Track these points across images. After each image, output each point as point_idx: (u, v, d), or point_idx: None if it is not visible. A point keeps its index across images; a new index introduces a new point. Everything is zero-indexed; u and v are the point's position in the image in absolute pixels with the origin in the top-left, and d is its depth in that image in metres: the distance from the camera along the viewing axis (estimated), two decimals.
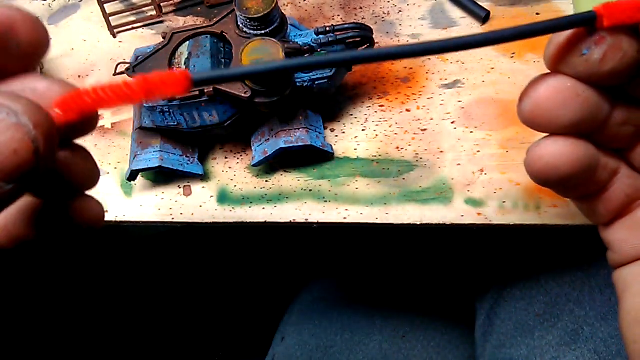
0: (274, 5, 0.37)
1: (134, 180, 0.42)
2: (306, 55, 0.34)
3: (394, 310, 0.53)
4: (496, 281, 0.47)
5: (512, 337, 0.43)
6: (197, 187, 0.42)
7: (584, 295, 0.41)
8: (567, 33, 0.23)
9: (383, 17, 0.46)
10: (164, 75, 0.19)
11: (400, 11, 0.46)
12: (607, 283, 0.41)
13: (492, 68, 0.43)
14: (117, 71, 0.42)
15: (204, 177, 0.42)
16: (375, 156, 0.41)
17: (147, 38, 0.49)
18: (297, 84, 0.38)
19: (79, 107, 0.19)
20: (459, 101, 0.42)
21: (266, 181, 0.41)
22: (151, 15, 0.50)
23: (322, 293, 0.57)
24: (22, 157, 0.16)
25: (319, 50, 0.38)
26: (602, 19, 0.23)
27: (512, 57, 0.43)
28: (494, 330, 0.45)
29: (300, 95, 0.39)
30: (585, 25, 0.24)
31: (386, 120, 0.42)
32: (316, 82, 0.38)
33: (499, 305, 0.45)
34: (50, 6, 0.53)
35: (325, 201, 0.40)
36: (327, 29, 0.37)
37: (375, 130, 0.42)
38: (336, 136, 0.42)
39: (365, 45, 0.39)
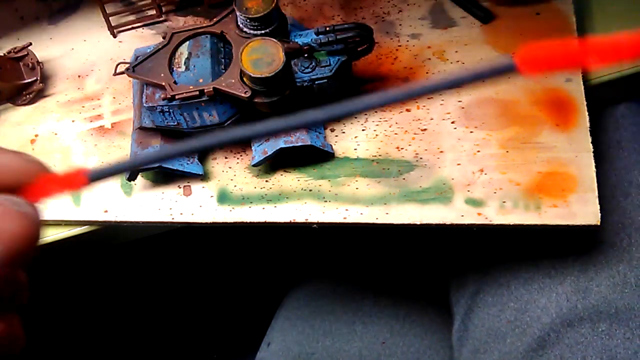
0: (273, 5, 0.37)
1: (134, 180, 0.42)
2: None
3: (375, 316, 0.54)
4: (470, 287, 0.48)
5: (485, 343, 0.44)
6: (197, 187, 0.42)
7: (551, 302, 0.42)
8: None
9: (383, 17, 0.46)
10: (63, 176, 0.22)
11: (400, 11, 0.46)
12: (573, 290, 0.41)
13: None
14: (117, 71, 0.42)
15: (204, 177, 0.42)
16: (375, 156, 0.41)
17: (147, 38, 0.49)
18: (297, 84, 0.38)
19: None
20: (459, 101, 0.42)
21: (266, 181, 0.41)
22: (151, 15, 0.50)
23: (306, 299, 0.58)
24: (29, 239, 0.20)
25: (319, 50, 0.38)
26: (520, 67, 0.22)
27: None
28: (469, 335, 0.46)
29: (300, 95, 0.39)
30: (507, 73, 0.23)
31: (386, 120, 0.42)
32: (316, 82, 0.38)
33: (472, 311, 0.46)
34: (50, 6, 0.53)
35: (325, 201, 0.40)
36: (327, 28, 0.37)
37: (375, 130, 0.42)
38: (336, 136, 0.42)
39: (365, 45, 0.39)
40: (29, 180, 0.22)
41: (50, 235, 0.43)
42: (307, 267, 0.64)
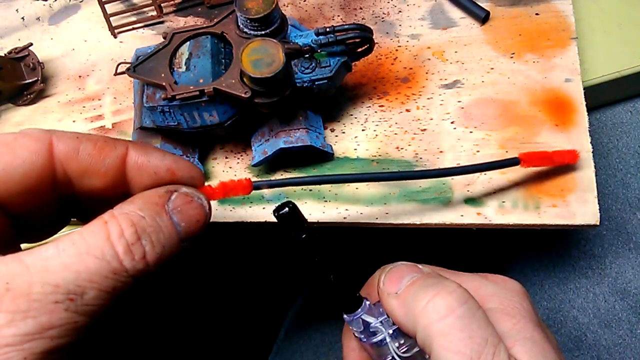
0: (274, 5, 0.37)
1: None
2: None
3: None
4: None
5: None
6: None
7: (587, 302, 0.42)
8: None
9: (383, 18, 0.46)
10: (235, 183, 0.32)
11: (400, 11, 0.47)
12: (611, 291, 0.41)
13: (492, 68, 0.43)
14: (118, 71, 0.42)
15: (204, 177, 0.42)
16: (375, 156, 0.41)
17: (147, 38, 0.49)
18: (297, 84, 0.38)
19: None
20: (459, 101, 0.42)
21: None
22: (152, 15, 0.50)
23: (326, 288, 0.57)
24: (201, 224, 0.29)
25: (319, 50, 0.38)
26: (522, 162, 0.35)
27: (512, 57, 0.43)
28: None
29: (300, 95, 0.39)
30: (512, 165, 0.36)
31: (386, 120, 0.42)
32: (316, 83, 0.38)
33: None
34: (51, 6, 0.53)
35: (325, 201, 0.40)
36: (327, 29, 0.38)
37: (375, 130, 0.42)
38: (336, 136, 0.42)
39: (365, 46, 0.39)
40: (197, 181, 0.31)
41: None
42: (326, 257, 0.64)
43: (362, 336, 0.31)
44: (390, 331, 0.30)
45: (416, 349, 0.29)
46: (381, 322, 0.30)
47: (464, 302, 0.27)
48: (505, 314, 0.29)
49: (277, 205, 0.30)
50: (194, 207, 0.29)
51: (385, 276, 0.30)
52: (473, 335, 0.26)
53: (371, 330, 0.30)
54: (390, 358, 0.30)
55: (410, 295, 0.28)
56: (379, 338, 0.30)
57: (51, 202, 0.29)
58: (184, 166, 0.30)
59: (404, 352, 0.29)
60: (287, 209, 0.30)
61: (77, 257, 0.24)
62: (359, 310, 0.31)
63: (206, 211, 0.29)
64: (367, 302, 0.31)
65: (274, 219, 0.40)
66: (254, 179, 0.33)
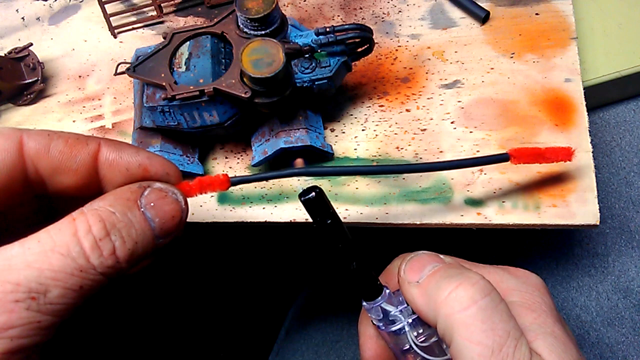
0: (274, 5, 0.37)
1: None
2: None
3: None
4: None
5: None
6: None
7: (590, 300, 0.42)
8: None
9: (383, 18, 0.46)
10: (212, 178, 0.31)
11: (400, 11, 0.47)
12: (614, 289, 0.41)
13: (492, 68, 0.43)
14: (118, 71, 0.42)
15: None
16: (375, 156, 0.41)
17: (147, 38, 0.49)
18: (297, 84, 0.38)
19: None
20: (459, 101, 0.42)
21: (266, 181, 0.41)
22: (152, 15, 0.50)
23: (327, 288, 0.57)
24: (177, 220, 0.28)
25: (319, 50, 0.38)
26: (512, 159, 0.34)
27: (512, 57, 0.43)
28: None
29: (300, 95, 0.39)
30: (501, 162, 0.35)
31: (386, 120, 0.42)
32: (316, 83, 0.38)
33: None
34: (51, 6, 0.53)
35: None
36: (327, 29, 0.38)
37: (375, 130, 0.42)
38: (336, 136, 0.42)
39: (365, 46, 0.39)
40: (173, 178, 0.30)
41: None
42: (319, 263, 0.64)
43: (381, 324, 0.31)
44: (410, 320, 0.30)
45: (434, 339, 0.30)
46: (400, 310, 0.30)
47: (486, 294, 0.27)
48: (526, 308, 0.29)
49: (302, 189, 0.29)
50: (169, 202, 0.28)
51: (406, 265, 0.30)
52: (495, 328, 0.26)
53: (390, 318, 0.30)
54: (408, 347, 0.30)
55: (432, 284, 0.28)
56: (398, 327, 0.30)
57: (26, 202, 0.29)
58: (157, 162, 0.29)
59: (421, 342, 0.29)
60: (313, 193, 0.29)
61: (41, 254, 0.24)
62: (379, 298, 0.31)
63: (182, 207, 0.28)
64: (387, 291, 0.31)
65: (274, 219, 0.40)
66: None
